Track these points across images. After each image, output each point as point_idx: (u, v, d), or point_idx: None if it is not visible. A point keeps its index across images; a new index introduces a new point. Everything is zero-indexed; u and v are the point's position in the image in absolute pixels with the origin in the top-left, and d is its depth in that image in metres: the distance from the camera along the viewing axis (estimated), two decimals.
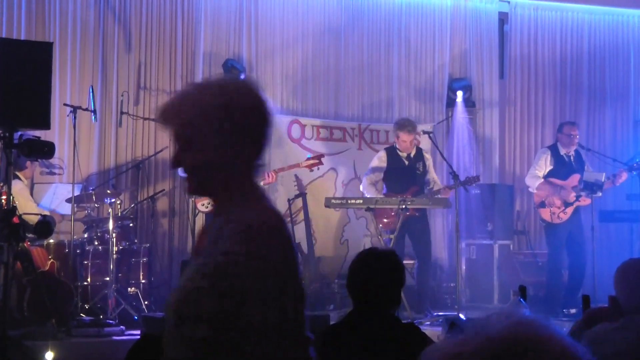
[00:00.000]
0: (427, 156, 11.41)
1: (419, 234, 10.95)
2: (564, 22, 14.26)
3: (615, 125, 14.33)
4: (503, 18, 14.13)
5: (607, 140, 13.99)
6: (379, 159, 11.20)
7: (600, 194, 11.33)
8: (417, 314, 10.49)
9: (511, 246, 12.93)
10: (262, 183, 11.11)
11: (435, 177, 11.37)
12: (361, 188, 11.32)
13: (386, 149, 11.35)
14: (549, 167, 11.39)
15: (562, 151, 11.40)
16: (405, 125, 11.11)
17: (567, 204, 11.24)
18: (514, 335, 1.36)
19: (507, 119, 13.99)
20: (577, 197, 11.22)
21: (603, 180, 11.27)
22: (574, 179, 11.29)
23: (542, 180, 11.35)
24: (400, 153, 11.13)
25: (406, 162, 11.12)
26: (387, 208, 10.75)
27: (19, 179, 10.22)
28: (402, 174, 11.05)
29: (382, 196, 10.84)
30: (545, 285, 11.58)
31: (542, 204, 11.34)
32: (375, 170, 11.16)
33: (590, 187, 11.22)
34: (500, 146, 13.89)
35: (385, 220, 10.83)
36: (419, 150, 11.31)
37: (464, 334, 1.40)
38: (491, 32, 13.86)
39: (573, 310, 10.65)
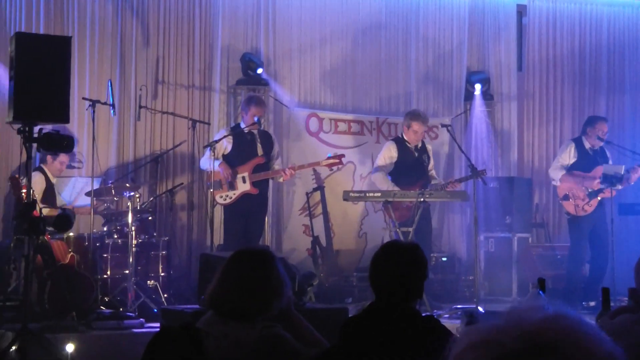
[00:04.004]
0: (430, 147, 11.40)
1: (419, 225, 10.86)
2: (583, 14, 14.20)
3: (634, 117, 14.27)
4: (521, 10, 14.08)
5: (626, 133, 13.92)
6: (390, 152, 11.12)
7: (620, 186, 11.31)
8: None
9: (530, 239, 12.91)
10: (280, 180, 11.17)
11: (434, 174, 11.33)
12: (373, 180, 11.29)
13: (394, 140, 11.30)
14: (573, 159, 11.37)
15: (587, 145, 11.37)
16: (420, 115, 11.10)
17: (591, 195, 11.20)
18: (554, 328, 1.37)
19: (525, 111, 13.96)
20: (601, 189, 11.20)
21: (622, 172, 11.24)
22: (597, 171, 11.27)
23: (565, 172, 11.33)
24: (408, 145, 11.11)
25: (415, 154, 11.10)
26: (400, 202, 10.71)
27: (44, 172, 10.34)
28: (411, 167, 11.04)
29: (398, 189, 10.79)
30: (565, 277, 11.56)
31: (566, 197, 11.32)
32: (387, 164, 11.11)
33: (610, 180, 11.19)
34: (519, 139, 13.86)
35: (398, 213, 10.77)
36: (423, 144, 11.28)
37: (502, 323, 1.41)
38: (509, 25, 13.81)
39: (592, 303, 10.63)
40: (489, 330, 1.41)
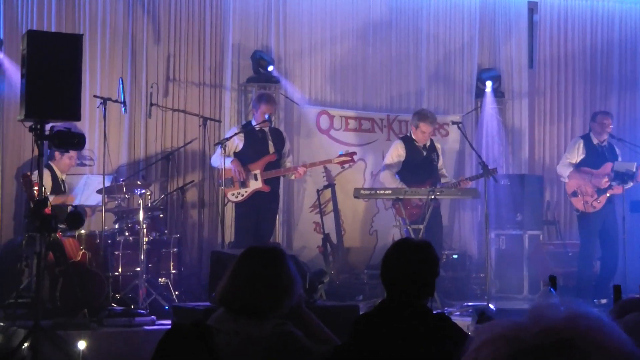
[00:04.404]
0: (439, 145, 11.40)
1: (430, 226, 10.89)
2: (594, 12, 14.19)
3: None
4: (533, 7, 14.08)
5: (637, 130, 13.90)
6: (398, 151, 11.10)
7: (631, 183, 11.31)
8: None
9: (541, 236, 12.91)
10: (292, 177, 11.19)
11: (445, 172, 11.33)
12: (381, 179, 11.27)
13: (402, 139, 11.28)
14: (581, 156, 11.39)
15: (595, 141, 11.39)
16: (427, 116, 11.07)
17: (599, 192, 11.21)
18: (573, 326, 1.38)
19: (536, 109, 13.96)
20: (610, 185, 11.19)
21: (634, 170, 11.22)
22: (606, 167, 11.27)
23: (572, 169, 11.33)
24: (417, 144, 11.09)
25: (424, 153, 11.09)
26: (410, 200, 10.70)
27: (52, 169, 10.35)
28: (420, 166, 11.02)
29: (406, 187, 10.78)
30: (576, 275, 11.57)
31: (575, 193, 11.32)
32: (395, 163, 11.09)
33: (621, 177, 11.20)
34: (530, 136, 13.87)
35: (408, 212, 10.75)
36: (432, 143, 11.27)
37: (521, 319, 1.42)
38: (520, 22, 13.81)
39: (604, 301, 10.62)
40: (508, 326, 1.42)
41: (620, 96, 14.16)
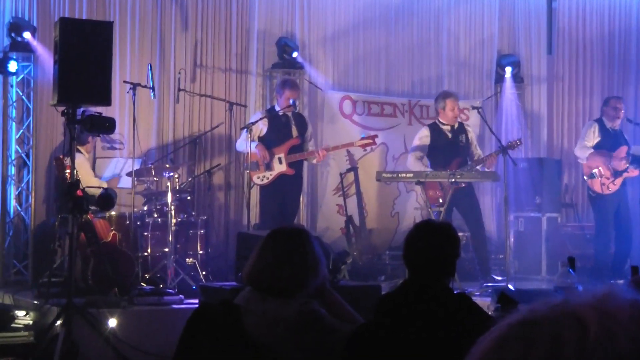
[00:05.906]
0: (470, 129, 11.46)
1: (467, 207, 11.03)
2: None
3: None
4: None
5: None
6: (422, 137, 11.22)
7: None
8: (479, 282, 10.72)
9: (559, 219, 13.03)
10: (313, 161, 11.36)
11: (480, 151, 11.39)
12: (407, 165, 11.44)
13: (429, 126, 11.37)
14: (597, 139, 11.47)
15: (608, 125, 11.51)
16: (451, 93, 11.26)
17: (616, 174, 11.32)
18: (591, 304, 1.26)
19: (555, 94, 14.02)
20: (626, 168, 11.32)
21: None
22: (622, 150, 11.39)
23: (592, 150, 11.45)
24: (443, 127, 11.17)
25: (449, 135, 11.18)
26: (435, 182, 10.87)
27: (80, 152, 10.52)
28: (446, 148, 11.09)
29: (430, 170, 10.93)
30: (594, 256, 11.67)
31: (592, 175, 11.42)
32: (418, 147, 11.21)
33: (638, 161, 11.34)
34: (549, 121, 13.94)
35: (432, 193, 10.92)
36: (461, 124, 11.39)
37: (547, 305, 1.32)
38: (539, 8, 13.86)
39: (621, 282, 10.73)
40: (538, 300, 1.36)
41: (637, 82, 14.11)
